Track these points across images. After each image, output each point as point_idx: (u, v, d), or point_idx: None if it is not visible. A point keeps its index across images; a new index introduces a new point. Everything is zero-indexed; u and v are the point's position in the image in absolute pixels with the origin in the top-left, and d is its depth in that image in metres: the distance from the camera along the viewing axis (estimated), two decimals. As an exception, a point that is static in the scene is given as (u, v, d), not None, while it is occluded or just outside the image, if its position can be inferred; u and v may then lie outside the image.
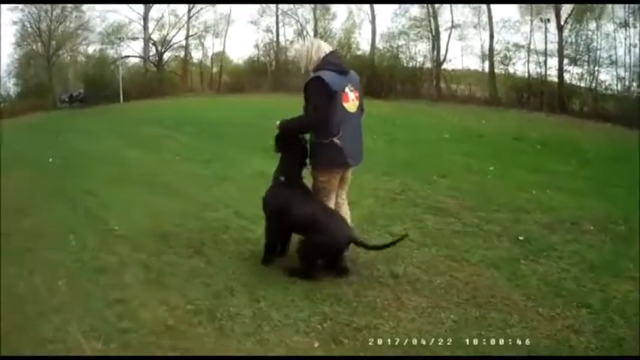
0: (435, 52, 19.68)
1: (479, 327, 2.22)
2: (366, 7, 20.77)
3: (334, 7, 21.75)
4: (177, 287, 2.59)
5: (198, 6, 22.52)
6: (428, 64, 19.90)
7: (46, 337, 2.14)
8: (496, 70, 18.67)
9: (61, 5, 20.53)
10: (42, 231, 3.58)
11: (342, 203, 2.95)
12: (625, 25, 15.53)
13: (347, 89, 2.68)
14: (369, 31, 21.04)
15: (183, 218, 3.76)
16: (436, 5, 19.51)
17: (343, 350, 2.06)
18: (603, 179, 5.54)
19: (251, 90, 21.30)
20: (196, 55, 24.35)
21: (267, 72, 23.05)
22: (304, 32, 22.27)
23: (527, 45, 17.87)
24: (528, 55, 17.85)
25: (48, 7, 20.19)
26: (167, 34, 22.88)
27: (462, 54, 20.49)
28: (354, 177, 3.04)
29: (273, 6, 22.19)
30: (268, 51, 23.22)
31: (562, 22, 16.86)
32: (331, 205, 2.81)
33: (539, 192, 4.67)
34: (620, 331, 2.18)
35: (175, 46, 23.39)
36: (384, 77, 18.56)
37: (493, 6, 18.25)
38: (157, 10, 22.32)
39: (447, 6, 19.46)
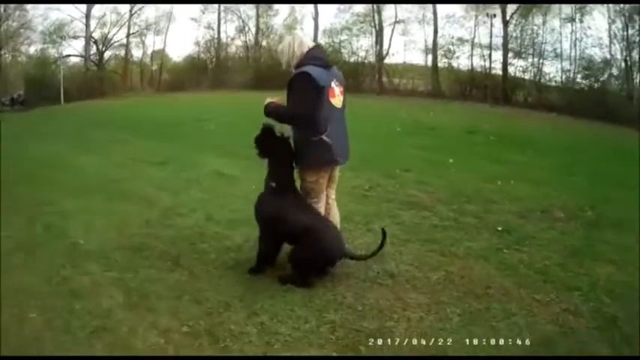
0: (378, 47, 20.12)
1: (485, 319, 2.25)
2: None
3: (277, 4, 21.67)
4: (164, 307, 2.31)
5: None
6: (371, 59, 20.28)
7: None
8: (439, 64, 19.47)
9: (3, 5, 18.89)
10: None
11: (332, 204, 2.86)
12: (572, 20, 16.76)
13: (333, 84, 2.60)
14: (311, 27, 21.19)
15: (151, 227, 3.45)
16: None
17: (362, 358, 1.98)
18: (560, 168, 5.95)
19: (191, 87, 20.87)
20: (137, 53, 23.68)
21: (208, 69, 22.79)
22: (246, 28, 22.34)
23: (471, 39, 18.84)
24: (472, 49, 18.82)
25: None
26: (108, 32, 22.21)
27: (405, 48, 21.25)
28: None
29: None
30: (209, 48, 23.03)
31: (507, 18, 17.91)
32: (321, 206, 2.71)
33: (504, 182, 4.89)
34: (612, 310, 2.32)
35: (116, 44, 22.72)
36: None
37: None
38: (98, 8, 21.49)
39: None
